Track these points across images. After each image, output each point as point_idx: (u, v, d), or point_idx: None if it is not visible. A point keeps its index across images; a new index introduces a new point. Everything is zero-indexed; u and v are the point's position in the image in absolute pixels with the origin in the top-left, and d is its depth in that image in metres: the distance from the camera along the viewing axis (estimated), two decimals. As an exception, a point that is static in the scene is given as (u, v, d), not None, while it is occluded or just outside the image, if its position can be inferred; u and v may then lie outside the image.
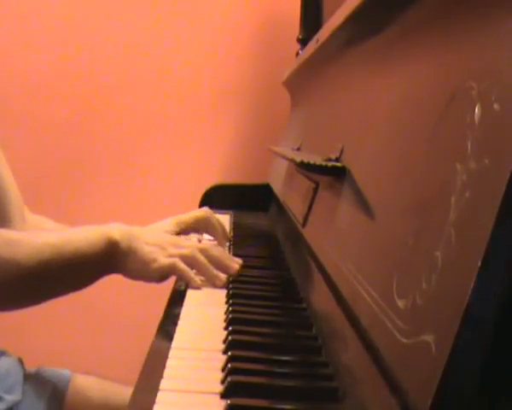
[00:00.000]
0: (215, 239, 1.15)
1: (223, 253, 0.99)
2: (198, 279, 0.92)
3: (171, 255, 0.92)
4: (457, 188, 0.41)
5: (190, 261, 0.93)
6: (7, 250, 0.84)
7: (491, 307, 0.36)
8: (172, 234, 1.05)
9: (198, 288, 0.91)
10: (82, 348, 1.85)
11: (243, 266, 0.97)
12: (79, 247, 0.89)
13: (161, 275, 0.92)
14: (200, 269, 0.93)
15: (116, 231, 0.91)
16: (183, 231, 1.11)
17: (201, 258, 0.93)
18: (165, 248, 0.93)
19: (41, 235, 0.92)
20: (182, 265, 0.91)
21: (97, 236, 0.90)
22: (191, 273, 0.92)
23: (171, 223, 1.08)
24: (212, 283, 0.93)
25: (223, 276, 0.93)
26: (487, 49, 0.44)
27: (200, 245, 0.97)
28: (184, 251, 0.93)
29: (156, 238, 0.95)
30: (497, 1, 0.44)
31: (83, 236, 0.91)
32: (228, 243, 1.19)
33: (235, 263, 0.96)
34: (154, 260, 0.91)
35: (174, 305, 0.86)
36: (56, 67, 1.86)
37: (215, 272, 0.93)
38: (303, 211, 0.93)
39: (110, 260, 0.91)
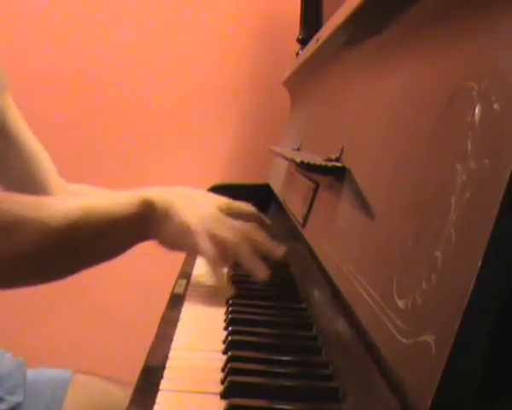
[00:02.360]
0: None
1: (266, 238, 0.91)
2: (225, 282, 0.85)
3: (212, 235, 0.85)
4: (457, 188, 0.41)
5: (232, 251, 0.86)
6: (34, 212, 0.78)
7: (492, 307, 0.36)
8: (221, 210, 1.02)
9: (222, 289, 0.85)
10: (82, 349, 1.85)
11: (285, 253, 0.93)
12: (110, 207, 0.83)
13: (195, 252, 0.86)
14: (243, 259, 0.86)
15: (154, 192, 0.85)
16: (229, 215, 1.10)
17: (245, 248, 0.86)
18: (207, 221, 0.86)
19: (72, 199, 0.87)
20: (217, 265, 0.85)
21: (131, 197, 0.84)
22: (222, 279, 0.85)
23: (222, 200, 1.05)
24: (254, 275, 0.87)
25: (266, 268, 0.86)
26: (487, 49, 0.44)
27: (245, 228, 0.89)
28: (227, 237, 0.86)
29: (199, 206, 0.88)
30: (497, 1, 0.44)
31: (116, 197, 0.85)
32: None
33: (280, 248, 0.90)
34: (193, 233, 0.84)
35: (174, 305, 0.86)
36: (56, 67, 1.86)
37: (258, 264, 0.86)
38: (303, 211, 0.93)
39: (145, 222, 0.84)
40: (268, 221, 1.28)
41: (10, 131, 1.09)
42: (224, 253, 0.86)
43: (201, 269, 1.04)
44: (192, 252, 0.88)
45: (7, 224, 0.76)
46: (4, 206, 0.77)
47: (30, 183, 1.11)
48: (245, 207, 1.22)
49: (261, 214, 1.20)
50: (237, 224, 0.90)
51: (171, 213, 0.84)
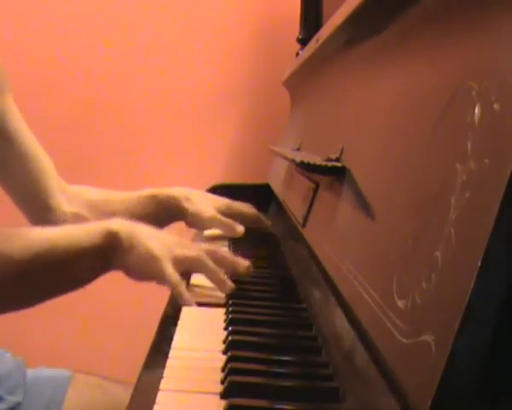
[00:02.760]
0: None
1: (230, 254, 0.94)
2: (193, 300, 0.84)
3: (176, 257, 0.86)
4: (457, 188, 0.41)
5: (197, 264, 0.88)
6: (1, 243, 0.80)
7: (491, 307, 0.36)
8: (220, 210, 1.08)
9: (191, 305, 0.84)
10: (82, 349, 1.85)
11: (249, 268, 0.95)
12: (76, 239, 0.84)
13: (161, 280, 0.86)
14: (207, 273, 0.88)
15: (116, 223, 0.86)
16: (229, 215, 1.16)
17: (209, 261, 0.88)
18: (169, 246, 0.87)
19: (36, 229, 0.88)
20: (183, 288, 0.85)
21: (96, 228, 0.85)
22: (187, 296, 0.84)
23: (222, 200, 1.08)
24: (219, 288, 0.88)
25: (230, 282, 0.88)
26: (487, 49, 0.44)
27: (207, 246, 0.93)
28: (191, 254, 0.88)
29: (161, 235, 0.89)
30: (497, 1, 0.44)
31: (80, 229, 0.86)
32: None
33: (244, 262, 0.92)
34: (158, 260, 0.85)
35: (174, 305, 0.86)
36: (56, 67, 1.86)
37: (223, 277, 0.88)
38: (303, 211, 0.93)
39: (109, 253, 0.85)
40: (268, 222, 1.29)
41: (11, 133, 1.09)
42: (189, 269, 0.89)
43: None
44: (158, 279, 0.86)
45: None
46: None
47: (31, 185, 1.11)
48: (245, 207, 1.24)
49: (261, 215, 1.22)
50: (201, 245, 0.94)
51: (135, 242, 0.85)
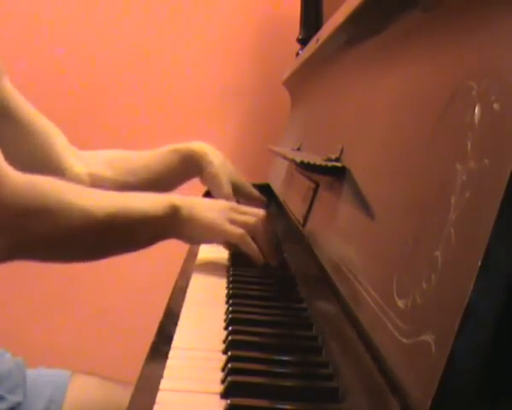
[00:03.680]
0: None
1: (270, 238, 1.00)
2: (261, 256, 0.95)
3: (234, 221, 0.95)
4: (457, 188, 0.41)
5: (253, 231, 0.96)
6: (79, 201, 0.86)
7: (491, 307, 0.36)
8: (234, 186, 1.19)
9: (259, 264, 0.95)
10: (82, 349, 1.85)
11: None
12: (143, 206, 0.92)
13: (226, 239, 0.97)
14: (260, 242, 0.96)
15: (177, 198, 0.95)
16: (238, 194, 1.25)
17: (263, 232, 0.96)
18: (226, 212, 0.96)
19: (112, 194, 0.95)
20: (249, 239, 0.95)
21: (160, 199, 0.94)
22: (257, 251, 0.95)
23: (237, 176, 1.22)
24: (268, 259, 0.97)
25: (275, 255, 0.98)
26: (487, 49, 0.44)
27: (262, 214, 0.99)
28: (248, 219, 0.96)
29: (216, 205, 0.99)
30: (497, 1, 0.44)
31: (146, 197, 0.95)
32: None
33: (273, 259, 0.99)
34: (220, 225, 0.94)
35: (174, 305, 0.86)
36: (57, 67, 1.86)
37: (272, 247, 0.97)
38: (303, 211, 0.93)
39: (171, 223, 0.93)
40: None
41: (14, 113, 1.10)
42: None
43: (201, 269, 1.04)
44: (221, 240, 0.99)
45: (56, 209, 0.84)
46: (53, 193, 0.85)
47: (43, 161, 1.13)
48: (255, 192, 1.31)
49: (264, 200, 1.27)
50: (252, 209, 1.01)
51: (194, 213, 0.95)
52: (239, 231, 0.95)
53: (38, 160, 1.13)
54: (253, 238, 0.96)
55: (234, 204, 1.04)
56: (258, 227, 0.96)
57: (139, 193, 0.97)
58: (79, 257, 0.97)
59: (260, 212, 1.01)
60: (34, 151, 1.12)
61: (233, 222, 0.96)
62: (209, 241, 1.01)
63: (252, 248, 0.95)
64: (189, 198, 0.97)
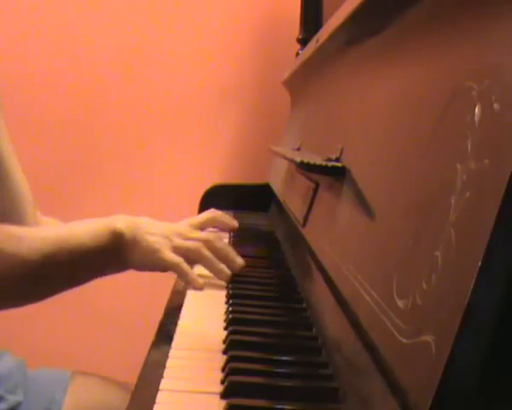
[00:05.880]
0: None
1: (227, 246, 0.98)
2: (200, 281, 0.91)
3: (175, 247, 0.91)
4: (457, 188, 0.41)
5: (195, 255, 0.92)
6: (10, 245, 0.83)
7: (491, 308, 0.36)
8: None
9: (200, 289, 0.91)
10: (82, 349, 1.85)
11: (246, 267, 0.97)
12: (83, 239, 0.87)
13: (164, 268, 0.91)
14: (205, 263, 0.93)
15: (120, 222, 0.90)
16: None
17: (206, 252, 0.93)
18: (169, 238, 0.92)
19: (42, 229, 0.91)
20: (185, 266, 0.90)
21: (101, 227, 0.89)
22: (194, 275, 0.91)
23: (182, 223, 1.07)
24: (217, 277, 0.93)
25: (227, 270, 0.93)
26: (487, 49, 0.44)
27: (205, 236, 0.96)
28: (189, 244, 0.92)
29: (161, 228, 0.93)
30: (497, 1, 0.44)
31: (86, 228, 0.89)
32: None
33: (240, 259, 0.96)
34: (158, 251, 0.90)
35: (174, 305, 0.86)
36: (57, 67, 1.86)
37: (221, 266, 0.93)
38: (303, 211, 0.93)
39: (115, 251, 0.89)
40: (234, 223, 1.25)
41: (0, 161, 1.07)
42: (188, 259, 0.92)
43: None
44: (161, 268, 0.92)
45: None
46: None
47: (8, 207, 1.09)
48: (206, 218, 1.20)
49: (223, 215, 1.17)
50: (198, 233, 0.97)
51: (138, 239, 0.90)
52: (176, 259, 0.90)
53: (6, 207, 1.10)
54: (197, 260, 0.94)
55: (184, 228, 0.97)
56: (199, 250, 0.93)
57: (82, 222, 0.91)
58: (20, 302, 0.91)
59: (205, 234, 0.97)
60: (6, 202, 1.09)
61: (176, 249, 0.92)
62: (151, 268, 0.93)
63: (188, 278, 0.91)
64: (134, 219, 0.92)
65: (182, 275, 0.91)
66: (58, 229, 0.93)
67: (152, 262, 0.91)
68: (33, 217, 1.12)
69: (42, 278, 0.86)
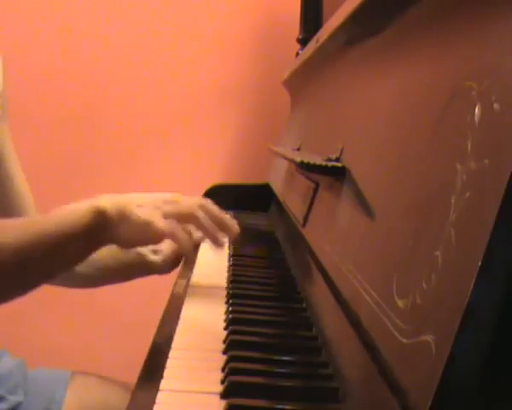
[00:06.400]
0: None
1: (222, 212, 0.93)
2: (192, 249, 0.88)
3: (167, 214, 0.87)
4: (457, 188, 0.41)
5: (189, 218, 0.89)
6: None
7: (491, 307, 0.36)
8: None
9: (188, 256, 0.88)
10: (82, 349, 1.85)
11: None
12: (64, 220, 0.83)
13: (158, 239, 0.87)
14: (200, 226, 0.90)
15: (104, 199, 0.86)
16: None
17: (201, 214, 0.89)
18: (159, 207, 0.87)
19: (25, 218, 0.87)
20: (180, 234, 0.86)
21: (83, 207, 0.84)
22: (187, 246, 0.87)
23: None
24: (211, 241, 0.90)
25: (223, 238, 0.90)
26: (487, 49, 0.44)
27: (198, 200, 0.92)
28: (182, 208, 0.89)
29: (149, 198, 0.89)
30: (497, 1, 0.44)
31: (68, 209, 0.85)
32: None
33: (235, 225, 0.92)
34: (151, 223, 0.85)
35: (174, 305, 0.86)
36: (57, 67, 1.86)
37: (216, 229, 0.90)
38: (303, 211, 0.93)
39: (100, 230, 0.84)
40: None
41: (3, 164, 1.07)
42: (182, 223, 0.89)
43: (201, 270, 1.04)
44: (155, 240, 0.87)
45: None
46: None
47: (9, 213, 1.09)
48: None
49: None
50: (191, 198, 0.93)
51: (126, 213, 0.85)
52: (169, 227, 0.86)
53: (7, 211, 1.08)
54: (191, 222, 0.90)
55: (175, 195, 0.93)
56: (192, 213, 0.89)
57: (62, 207, 0.86)
58: (13, 292, 0.86)
59: (198, 198, 0.94)
60: (6, 205, 1.09)
61: (168, 215, 0.87)
62: (143, 243, 0.90)
63: (181, 243, 0.87)
64: (118, 196, 0.88)
65: (177, 241, 0.87)
66: (41, 216, 0.88)
67: (145, 236, 0.86)
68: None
69: (29, 264, 0.82)
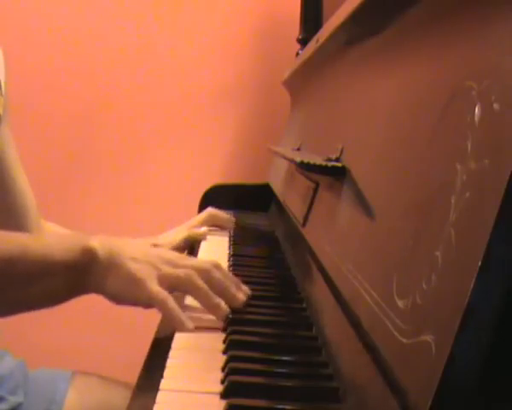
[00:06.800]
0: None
1: (227, 276, 0.81)
2: (190, 325, 0.73)
3: (162, 276, 0.76)
4: (457, 188, 0.41)
5: (186, 285, 0.77)
6: None
7: (491, 307, 0.36)
8: (182, 242, 1.02)
9: (190, 331, 0.73)
10: (82, 349, 1.85)
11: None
12: (50, 250, 0.75)
13: (147, 303, 0.76)
14: (197, 296, 0.77)
15: (96, 239, 0.76)
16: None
17: (200, 282, 0.76)
18: (156, 265, 0.77)
19: (13, 233, 0.81)
20: (172, 305, 0.74)
21: (73, 241, 0.77)
22: (182, 317, 0.73)
23: (181, 228, 1.06)
24: (210, 313, 0.77)
25: (225, 306, 0.77)
26: (487, 49, 0.44)
27: (200, 264, 0.80)
28: (180, 272, 0.77)
29: (146, 253, 0.78)
30: (497, 1, 0.44)
31: (57, 240, 0.79)
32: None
33: (241, 292, 0.80)
34: (142, 282, 0.75)
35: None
36: (57, 67, 1.86)
37: (217, 300, 0.76)
38: (303, 211, 0.93)
39: (85, 272, 0.75)
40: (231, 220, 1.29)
41: (5, 164, 1.07)
42: (180, 290, 0.79)
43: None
44: (144, 303, 0.76)
45: None
46: None
47: (12, 220, 1.08)
48: (202, 219, 1.22)
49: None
50: (191, 260, 0.83)
51: (116, 262, 0.75)
52: (162, 295, 0.74)
53: (9, 219, 1.07)
54: (188, 291, 0.78)
55: (174, 254, 0.82)
56: (192, 281, 0.76)
57: (53, 235, 0.80)
58: None
59: (202, 263, 0.81)
60: (9, 209, 1.08)
61: (163, 277, 0.76)
62: (131, 302, 0.78)
63: (172, 315, 0.73)
64: (113, 240, 0.78)
65: (167, 316, 0.74)
66: (27, 235, 0.84)
67: (133, 294, 0.76)
68: (36, 222, 1.13)
69: (4, 283, 0.74)
